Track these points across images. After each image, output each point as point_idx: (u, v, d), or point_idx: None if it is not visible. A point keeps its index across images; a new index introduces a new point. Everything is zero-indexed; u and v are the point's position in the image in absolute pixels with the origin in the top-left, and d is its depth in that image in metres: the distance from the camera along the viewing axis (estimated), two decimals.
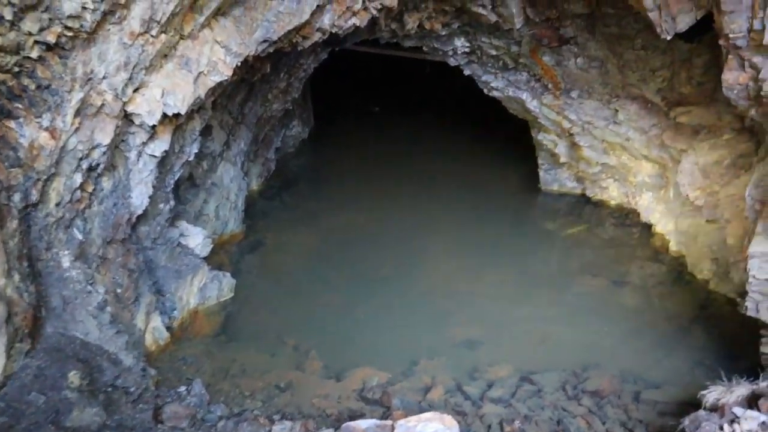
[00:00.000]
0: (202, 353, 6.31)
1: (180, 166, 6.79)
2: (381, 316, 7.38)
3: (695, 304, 7.17)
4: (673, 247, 7.97)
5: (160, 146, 5.99)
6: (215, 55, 5.69)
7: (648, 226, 8.74)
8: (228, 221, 8.67)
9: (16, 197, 4.69)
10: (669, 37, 5.34)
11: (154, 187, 6.18)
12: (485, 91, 9.51)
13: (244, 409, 5.29)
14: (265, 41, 5.85)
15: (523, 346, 6.92)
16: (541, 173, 10.21)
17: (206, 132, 7.94)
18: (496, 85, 9.02)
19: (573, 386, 5.97)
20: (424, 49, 9.34)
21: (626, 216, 9.42)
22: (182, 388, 5.22)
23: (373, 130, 14.12)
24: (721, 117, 6.78)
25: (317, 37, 6.36)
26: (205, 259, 7.42)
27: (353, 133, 13.84)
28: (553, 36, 7.34)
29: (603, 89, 7.78)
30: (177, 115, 5.78)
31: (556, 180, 10.08)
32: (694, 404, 5.31)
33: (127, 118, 5.61)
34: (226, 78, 5.81)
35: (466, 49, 8.73)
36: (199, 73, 5.67)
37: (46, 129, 4.87)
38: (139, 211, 6.06)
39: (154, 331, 6.12)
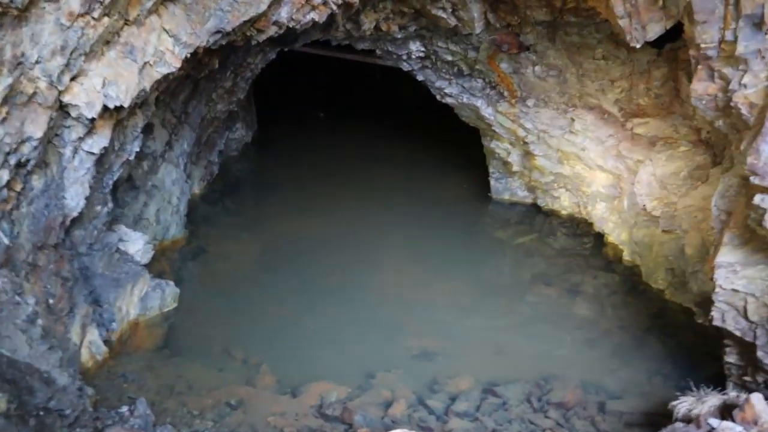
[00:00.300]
0: (144, 369, 5.77)
1: (119, 166, 6.24)
2: (332, 327, 7.04)
3: (650, 313, 7.17)
4: (626, 257, 8.00)
5: (98, 142, 5.46)
6: (163, 44, 5.24)
7: (600, 236, 8.76)
8: (169, 226, 8.12)
9: None
10: (639, 45, 5.30)
11: (91, 187, 5.64)
12: (438, 97, 9.36)
13: (194, 430, 4.84)
14: (217, 32, 5.44)
15: (481, 356, 6.74)
16: (492, 182, 10.13)
17: (147, 130, 7.40)
18: (450, 91, 8.88)
19: (538, 398, 5.80)
20: (377, 52, 9.12)
21: (577, 226, 9.44)
22: (124, 409, 4.71)
23: (319, 135, 13.76)
24: (677, 129, 6.86)
25: (273, 31, 6.00)
26: (146, 266, 6.87)
27: (298, 138, 13.45)
28: (513, 42, 7.25)
29: (560, 98, 7.76)
30: (119, 109, 5.28)
31: (507, 189, 10.03)
32: (659, 414, 5.28)
33: (62, 109, 5.07)
34: (173, 70, 5.36)
35: (421, 54, 8.55)
36: (145, 63, 5.20)
37: None
38: (74, 213, 5.49)
39: (91, 345, 5.55)
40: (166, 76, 5.58)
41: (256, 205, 10.47)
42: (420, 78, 9.16)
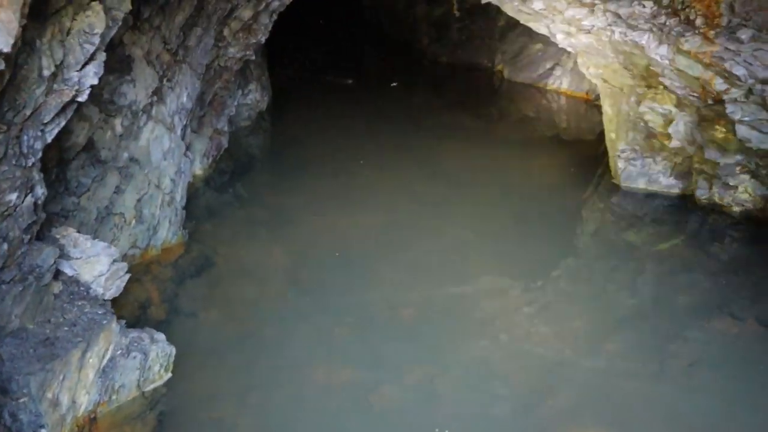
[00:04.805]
0: None
1: (57, 111, 3.12)
2: (422, 402, 4.17)
3: None
4: None
5: None
6: None
7: None
8: (159, 225, 5.01)
9: None
10: None
11: None
12: (560, 37, 6.32)
13: None
14: None
15: None
16: (621, 164, 7.10)
17: (122, 67, 4.34)
18: (589, 24, 5.81)
19: None
20: None
21: (759, 228, 6.54)
22: None
23: (348, 102, 10.74)
24: None
25: None
26: (115, 301, 3.77)
27: (321, 105, 10.44)
28: None
29: None
30: None
31: (643, 174, 7.02)
32: None
33: None
34: None
35: None
36: None
37: None
38: None
39: None
40: None
41: (278, 192, 7.41)
42: (537, 6, 6.07)
